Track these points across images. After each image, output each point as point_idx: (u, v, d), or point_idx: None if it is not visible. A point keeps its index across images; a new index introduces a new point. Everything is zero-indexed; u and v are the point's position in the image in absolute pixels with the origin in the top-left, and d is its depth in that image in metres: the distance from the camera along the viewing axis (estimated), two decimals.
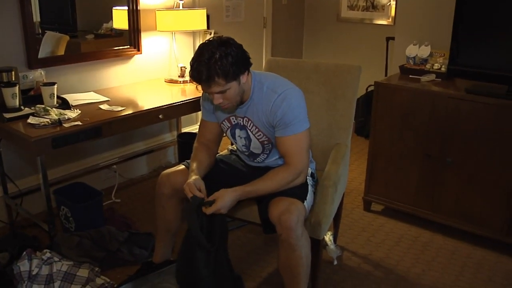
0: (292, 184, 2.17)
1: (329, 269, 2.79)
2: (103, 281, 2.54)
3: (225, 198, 2.06)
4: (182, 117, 4.16)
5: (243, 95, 2.15)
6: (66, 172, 3.41)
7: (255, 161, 2.43)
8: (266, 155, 2.37)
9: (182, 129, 4.22)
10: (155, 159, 4.09)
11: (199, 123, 4.26)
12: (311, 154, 2.51)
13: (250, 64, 2.12)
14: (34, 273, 2.47)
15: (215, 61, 1.95)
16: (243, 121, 2.27)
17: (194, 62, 2.00)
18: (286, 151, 2.19)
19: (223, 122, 2.35)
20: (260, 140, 2.28)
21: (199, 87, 2.08)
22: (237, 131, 2.33)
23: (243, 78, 2.08)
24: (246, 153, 2.42)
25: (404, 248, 3.03)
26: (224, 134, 2.45)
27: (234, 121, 2.31)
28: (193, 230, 2.07)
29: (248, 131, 2.27)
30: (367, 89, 4.94)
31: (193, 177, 2.15)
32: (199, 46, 2.05)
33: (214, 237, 2.10)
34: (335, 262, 2.83)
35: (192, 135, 3.99)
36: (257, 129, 2.24)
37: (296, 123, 2.14)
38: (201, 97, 2.41)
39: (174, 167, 2.40)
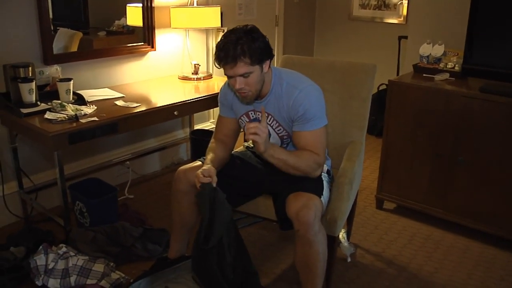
0: (308, 171, 2.20)
1: (342, 266, 2.80)
2: (118, 276, 2.56)
3: (267, 140, 2.09)
4: (195, 114, 4.17)
5: (262, 86, 2.18)
6: (80, 168, 3.44)
7: None
8: None
9: (194, 126, 4.24)
10: (167, 156, 4.11)
11: (211, 120, 4.34)
12: (327, 151, 2.53)
13: (273, 56, 2.16)
14: (50, 267, 2.50)
15: (243, 42, 2.02)
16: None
17: (221, 43, 2.05)
18: (305, 145, 2.21)
19: (242, 117, 2.37)
20: (279, 134, 2.30)
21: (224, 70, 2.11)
22: None
23: (265, 67, 2.13)
24: None
25: (416, 246, 3.04)
26: (242, 130, 2.46)
27: (252, 116, 2.33)
28: (204, 219, 2.08)
29: (268, 125, 2.28)
30: (378, 87, 4.94)
31: (204, 167, 2.17)
32: (225, 32, 2.10)
33: (212, 235, 2.10)
34: (349, 260, 2.84)
35: (204, 132, 4.01)
36: (277, 124, 2.27)
37: (316, 119, 2.19)
38: (219, 93, 2.43)
39: (191, 163, 2.41)
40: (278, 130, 2.29)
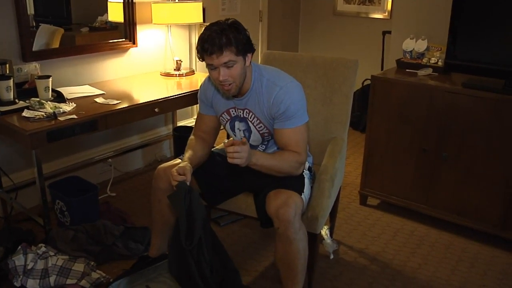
0: (290, 171, 2.18)
1: (325, 263, 2.79)
2: (99, 275, 2.53)
3: (248, 155, 2.04)
4: (178, 111, 4.14)
5: (243, 81, 2.15)
6: (61, 166, 3.39)
7: None
8: (264, 146, 2.38)
9: (177, 122, 4.21)
10: (150, 153, 4.08)
11: (194, 117, 4.30)
12: (309, 148, 2.51)
13: (254, 50, 2.15)
14: (29, 267, 2.46)
15: (229, 32, 2.01)
16: (243, 113, 2.27)
17: (205, 35, 2.03)
18: (286, 143, 2.19)
19: (223, 115, 2.34)
20: (260, 132, 2.28)
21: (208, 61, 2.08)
22: (237, 124, 2.33)
23: (248, 60, 2.12)
24: None
25: (400, 242, 3.04)
26: (222, 128, 2.44)
27: (234, 113, 2.31)
28: (182, 219, 2.06)
29: (249, 122, 2.27)
30: (363, 83, 4.93)
31: (180, 164, 2.14)
32: (207, 26, 2.08)
33: (194, 234, 2.07)
34: (332, 256, 2.83)
35: (187, 129, 3.98)
36: (258, 121, 2.25)
37: (297, 116, 2.17)
38: (199, 91, 2.41)
39: (171, 161, 2.38)
40: (259, 128, 2.27)
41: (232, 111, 2.31)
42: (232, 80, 2.09)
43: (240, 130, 2.34)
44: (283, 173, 2.18)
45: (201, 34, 2.07)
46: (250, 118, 2.27)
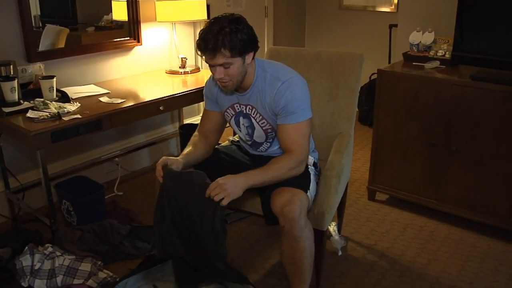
0: (292, 174, 2.14)
1: (333, 259, 2.77)
2: (106, 275, 2.53)
3: (236, 183, 1.99)
4: (184, 109, 4.13)
5: (245, 78, 2.14)
6: (67, 166, 3.39)
7: (258, 150, 2.42)
8: (269, 144, 2.36)
9: (184, 120, 4.20)
10: (157, 151, 4.07)
11: (201, 115, 4.27)
12: (314, 145, 2.49)
13: (258, 47, 2.12)
14: (36, 267, 2.47)
15: (225, 34, 1.97)
16: (246, 109, 2.26)
17: (203, 32, 2.02)
18: (287, 139, 2.17)
19: (227, 110, 2.33)
20: (263, 128, 2.26)
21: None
22: (241, 119, 2.32)
23: (248, 59, 2.09)
24: (249, 142, 2.40)
25: (409, 238, 3.00)
26: (228, 125, 2.43)
27: (238, 109, 2.30)
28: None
29: (252, 118, 2.26)
30: (370, 77, 4.89)
31: (171, 157, 2.17)
32: (210, 20, 2.06)
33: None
34: (340, 253, 2.81)
35: (194, 126, 3.92)
36: (261, 117, 2.23)
37: (299, 112, 2.13)
38: (204, 87, 2.40)
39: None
40: (262, 124, 2.25)
41: (237, 106, 2.30)
42: (228, 79, 2.08)
43: (244, 126, 2.33)
44: (286, 178, 2.13)
45: (201, 29, 2.06)
46: (253, 114, 2.25)
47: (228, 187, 1.95)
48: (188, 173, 2.14)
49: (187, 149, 2.28)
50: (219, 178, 1.99)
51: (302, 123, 2.15)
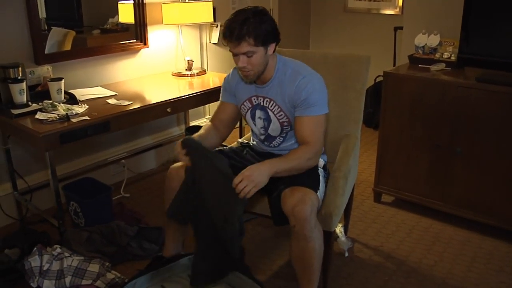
0: (309, 165, 2.20)
1: (340, 261, 2.78)
2: (114, 275, 2.54)
3: (260, 172, 2.04)
4: (190, 111, 4.14)
5: (265, 70, 2.21)
6: (75, 168, 3.41)
7: (271, 145, 2.45)
8: (282, 138, 2.39)
9: (190, 122, 4.21)
10: (163, 153, 4.08)
11: (207, 117, 4.31)
12: (323, 149, 2.50)
13: (279, 40, 2.20)
14: (45, 268, 2.48)
15: (250, 23, 2.06)
16: (264, 101, 2.31)
17: (229, 21, 2.10)
18: (305, 130, 2.22)
19: (244, 103, 2.39)
20: (280, 120, 2.31)
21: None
22: (258, 112, 2.37)
23: (270, 50, 2.17)
24: (263, 137, 2.44)
25: (415, 239, 3.01)
26: (245, 123, 2.47)
27: (255, 101, 2.35)
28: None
29: (269, 111, 2.31)
30: (375, 79, 4.90)
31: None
32: (235, 11, 2.14)
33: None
34: (346, 254, 2.82)
35: (200, 129, 3.96)
36: (279, 109, 2.28)
37: (318, 105, 2.21)
38: (224, 80, 2.48)
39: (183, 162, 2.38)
40: (279, 116, 2.30)
41: (254, 99, 2.35)
42: (250, 68, 2.15)
43: (260, 119, 2.37)
44: (304, 169, 2.19)
45: (227, 19, 2.13)
46: (271, 106, 2.30)
47: (255, 178, 2.00)
48: (211, 152, 2.20)
49: (199, 133, 2.36)
50: (243, 170, 2.03)
51: (319, 117, 2.21)
